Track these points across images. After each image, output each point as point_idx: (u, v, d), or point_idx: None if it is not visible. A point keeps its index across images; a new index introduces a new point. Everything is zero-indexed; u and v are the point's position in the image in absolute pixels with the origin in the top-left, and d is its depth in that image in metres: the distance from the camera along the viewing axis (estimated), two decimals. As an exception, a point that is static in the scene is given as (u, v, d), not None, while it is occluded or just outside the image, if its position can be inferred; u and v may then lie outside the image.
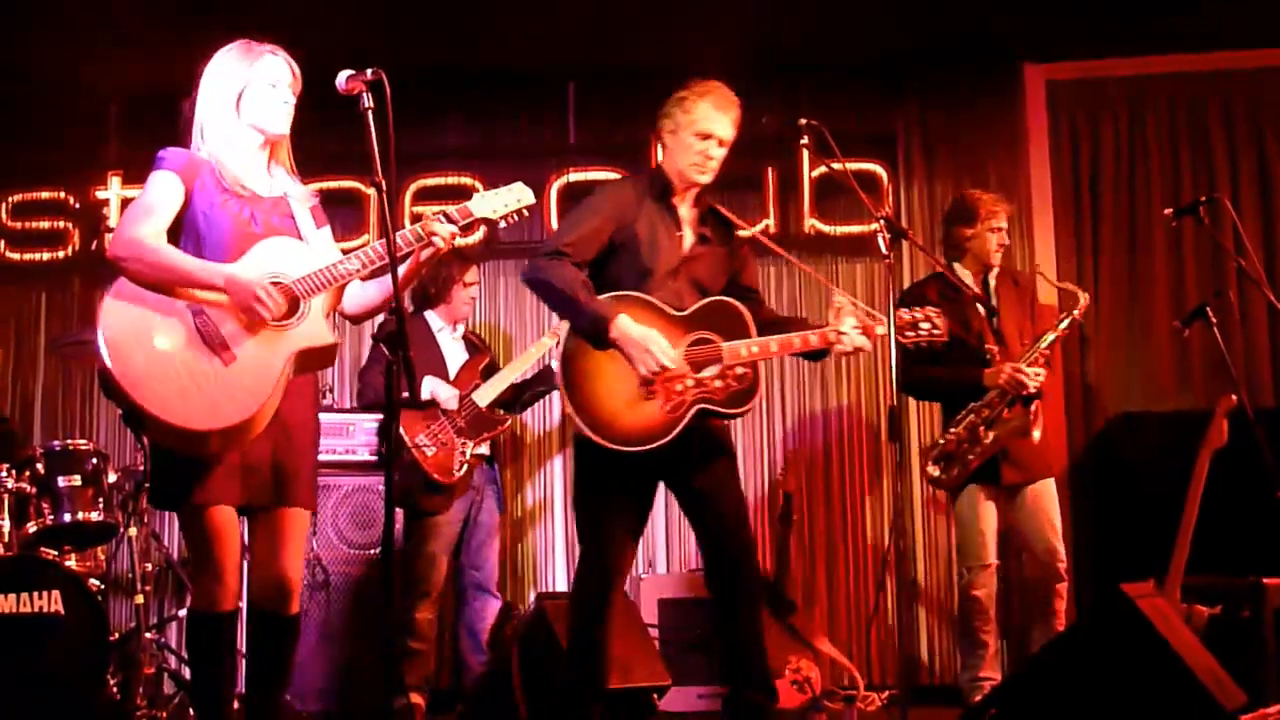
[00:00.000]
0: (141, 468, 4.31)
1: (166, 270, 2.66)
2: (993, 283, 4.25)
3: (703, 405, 3.13)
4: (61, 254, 5.64)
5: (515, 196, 2.95)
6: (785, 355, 3.25)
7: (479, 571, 4.60)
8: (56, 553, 4.20)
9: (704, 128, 3.23)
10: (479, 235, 5.36)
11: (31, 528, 4.10)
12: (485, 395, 4.40)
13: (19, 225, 5.65)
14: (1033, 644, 4.27)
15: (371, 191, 5.42)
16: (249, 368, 2.66)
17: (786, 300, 5.53)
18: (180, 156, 2.79)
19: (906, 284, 5.44)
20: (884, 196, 5.35)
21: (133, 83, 5.38)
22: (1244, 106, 5.48)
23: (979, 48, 5.42)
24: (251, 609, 2.87)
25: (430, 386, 4.33)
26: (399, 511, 4.30)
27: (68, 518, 4.11)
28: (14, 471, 4.12)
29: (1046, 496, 4.13)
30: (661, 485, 3.34)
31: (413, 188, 5.52)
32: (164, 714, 4.19)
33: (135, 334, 2.63)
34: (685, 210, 3.32)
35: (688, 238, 3.30)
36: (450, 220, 2.84)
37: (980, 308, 4.17)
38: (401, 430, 4.17)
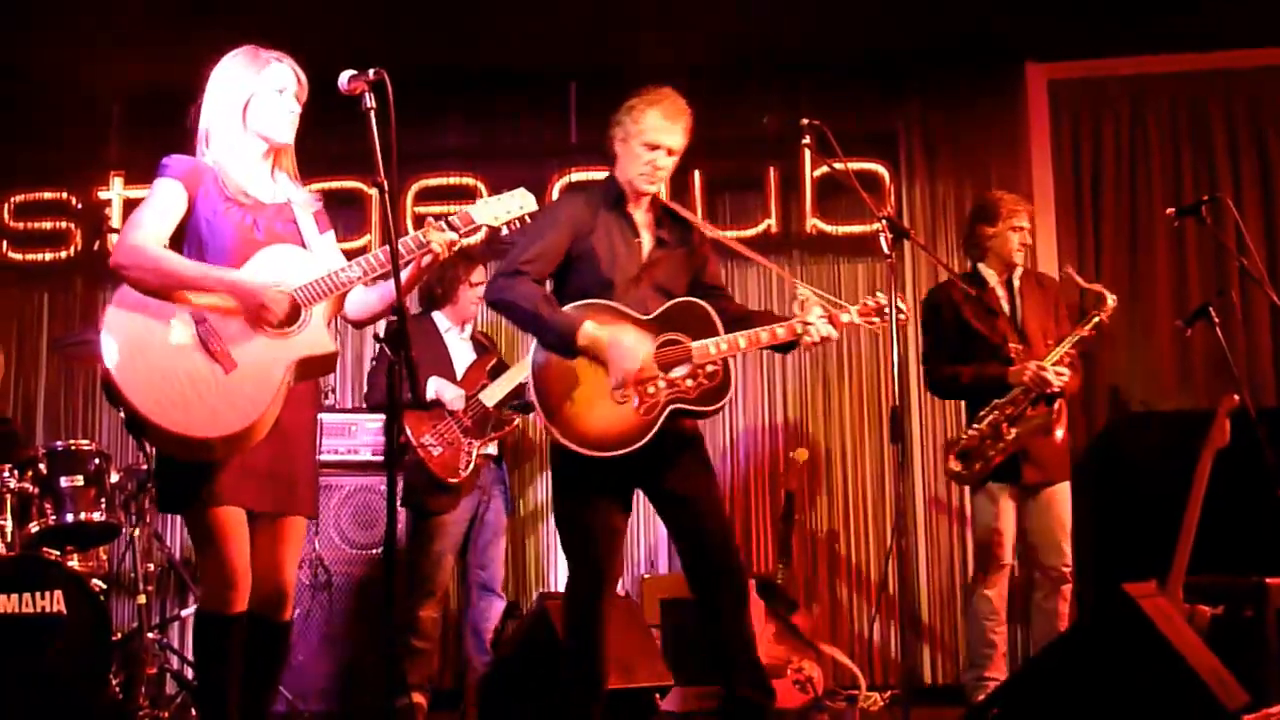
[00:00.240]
0: (144, 468, 4.33)
1: (169, 276, 2.67)
2: (1016, 283, 4.26)
3: (676, 405, 3.14)
4: (64, 254, 5.65)
5: (517, 203, 2.95)
6: (755, 349, 3.27)
7: (484, 571, 4.60)
8: (59, 553, 4.20)
9: (652, 138, 3.20)
10: (481, 234, 5.35)
11: (34, 528, 4.11)
12: (493, 395, 4.39)
13: (21, 226, 5.67)
14: (1035, 644, 4.27)
15: (374, 192, 5.43)
16: (250, 376, 2.67)
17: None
18: (183, 164, 2.80)
19: (908, 284, 5.48)
20: (886, 196, 5.35)
21: (133, 83, 5.39)
22: (1245, 106, 5.49)
23: (980, 47, 5.42)
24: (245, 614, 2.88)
25: (435, 386, 4.34)
26: (404, 511, 4.30)
27: (70, 518, 4.12)
28: (16, 472, 4.13)
29: (1061, 499, 4.15)
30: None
31: (415, 188, 5.52)
32: (166, 714, 4.19)
33: (138, 342, 2.64)
34: (641, 215, 3.31)
35: (646, 243, 3.29)
36: (452, 228, 2.84)
37: (1004, 306, 4.18)
38: (407, 430, 4.18)
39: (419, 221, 5.36)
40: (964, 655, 4.53)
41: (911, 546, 5.24)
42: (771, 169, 5.46)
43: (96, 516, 4.15)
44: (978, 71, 5.54)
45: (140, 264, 2.66)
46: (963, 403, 5.31)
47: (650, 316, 3.20)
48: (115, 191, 5.57)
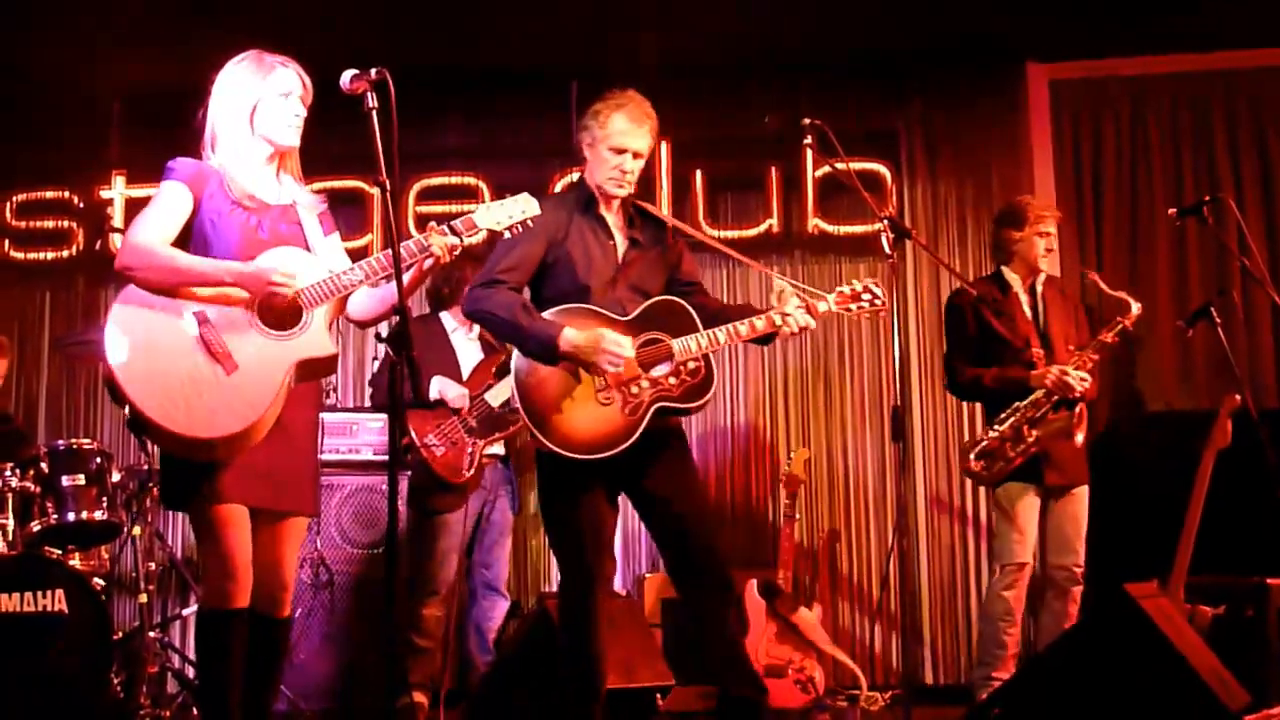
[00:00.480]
0: (145, 467, 4.34)
1: (175, 273, 2.71)
2: (1039, 289, 4.27)
3: (661, 403, 3.15)
4: (65, 253, 5.66)
5: (520, 207, 2.95)
6: (735, 344, 3.28)
7: (489, 570, 4.60)
8: (60, 552, 4.21)
9: (617, 143, 3.21)
10: (482, 235, 5.35)
11: (36, 527, 4.11)
12: (499, 395, 4.38)
13: (23, 225, 5.67)
14: (1041, 644, 4.27)
15: (375, 191, 5.43)
16: (250, 377, 2.70)
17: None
18: (189, 167, 2.84)
19: (910, 283, 5.48)
20: (887, 196, 5.35)
21: (133, 82, 5.40)
22: (1246, 106, 5.49)
23: (981, 47, 5.42)
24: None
25: (438, 386, 4.33)
26: (408, 510, 4.31)
27: (72, 517, 4.13)
28: (18, 471, 4.14)
29: (1081, 504, 4.17)
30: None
31: (416, 187, 5.53)
32: (167, 713, 4.19)
33: (140, 343, 2.67)
34: (613, 218, 3.32)
35: (620, 245, 3.30)
36: (454, 232, 2.85)
37: (1027, 311, 4.20)
38: (411, 431, 4.18)
39: (421, 220, 5.37)
40: (974, 653, 4.53)
41: (913, 546, 5.24)
42: (773, 169, 5.47)
43: (98, 515, 4.16)
44: (978, 71, 5.54)
45: (147, 264, 2.70)
46: (964, 403, 5.34)
47: (629, 317, 3.21)
48: (117, 190, 5.57)
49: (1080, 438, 4.02)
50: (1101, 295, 4.34)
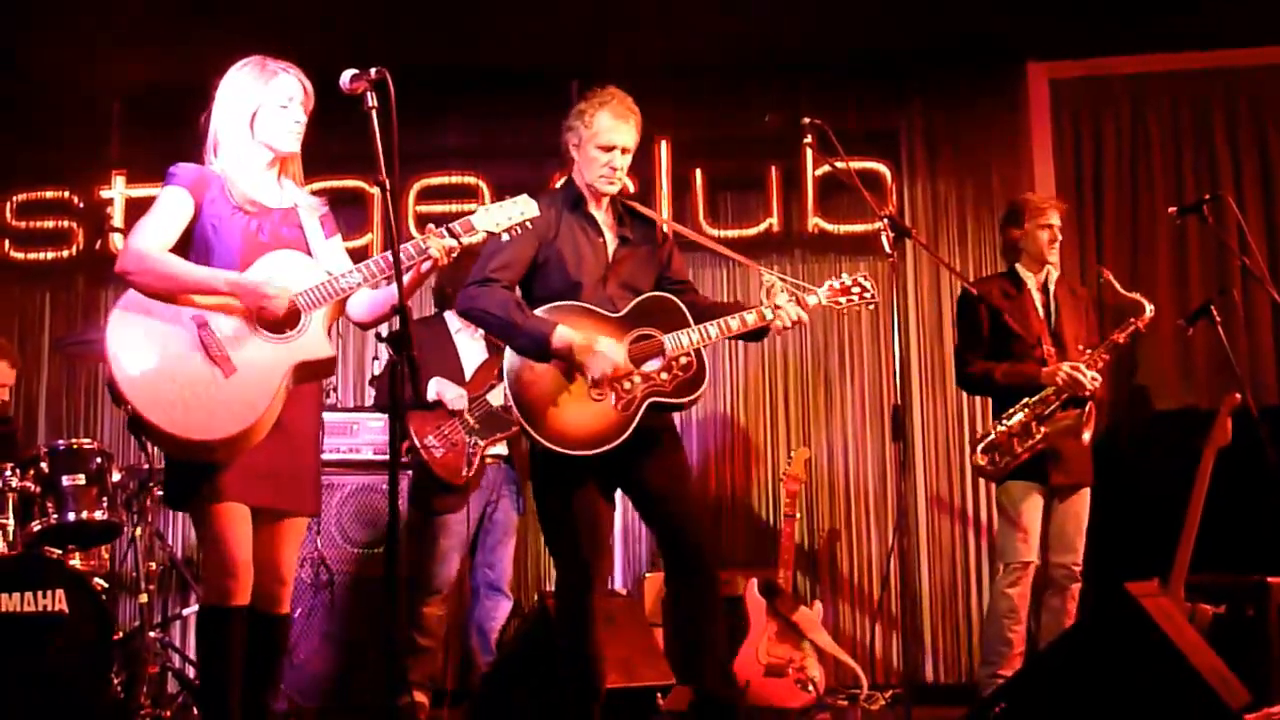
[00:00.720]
0: (145, 467, 4.33)
1: (173, 280, 2.74)
2: (1052, 287, 4.27)
3: (654, 399, 3.16)
4: (66, 253, 5.66)
5: (519, 210, 2.96)
6: (726, 339, 3.29)
7: (492, 570, 4.59)
8: (61, 552, 4.20)
9: (605, 140, 3.23)
10: (480, 237, 5.35)
11: (36, 527, 4.11)
12: (500, 395, 4.38)
13: (23, 224, 5.67)
14: (1041, 642, 4.27)
15: (375, 191, 5.43)
16: (248, 380, 2.73)
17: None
18: (191, 172, 2.87)
19: (910, 282, 5.48)
20: (887, 195, 5.35)
21: (133, 82, 5.40)
22: (1246, 105, 5.48)
23: (981, 46, 5.42)
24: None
25: (436, 387, 4.33)
26: (410, 510, 4.30)
27: (72, 517, 4.12)
28: (18, 470, 4.13)
29: (1083, 504, 4.17)
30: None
31: (416, 187, 5.53)
32: (168, 713, 4.19)
33: (141, 346, 2.71)
34: (602, 216, 3.33)
35: (610, 242, 3.32)
36: (452, 234, 2.86)
37: (1039, 309, 4.20)
38: (411, 433, 4.18)
39: (421, 220, 5.37)
40: (976, 652, 4.53)
41: (913, 545, 5.24)
42: (773, 168, 5.47)
43: (98, 515, 4.16)
44: (978, 71, 5.55)
45: (145, 269, 2.73)
46: (964, 403, 5.33)
47: (620, 314, 3.23)
48: (117, 190, 5.57)
49: (1088, 436, 4.01)
50: (1112, 294, 4.33)
